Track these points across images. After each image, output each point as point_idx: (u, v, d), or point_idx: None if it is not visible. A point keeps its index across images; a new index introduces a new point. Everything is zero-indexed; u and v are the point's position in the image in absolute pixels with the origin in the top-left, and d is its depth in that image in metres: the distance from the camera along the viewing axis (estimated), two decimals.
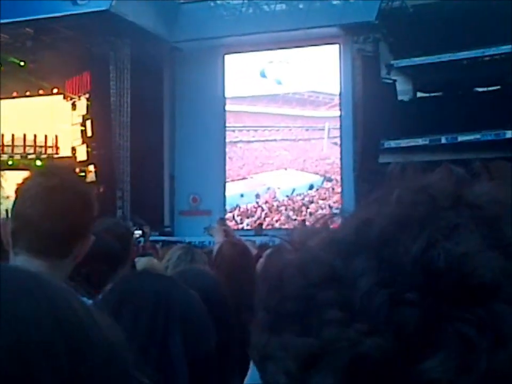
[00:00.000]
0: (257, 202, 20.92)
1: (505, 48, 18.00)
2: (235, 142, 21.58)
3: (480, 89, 20.04)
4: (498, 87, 19.52)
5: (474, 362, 0.46)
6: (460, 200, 0.52)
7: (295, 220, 19.52)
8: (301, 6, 20.14)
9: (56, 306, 0.60)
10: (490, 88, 19.76)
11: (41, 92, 23.46)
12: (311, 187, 20.49)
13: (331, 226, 0.58)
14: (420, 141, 18.43)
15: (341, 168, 20.09)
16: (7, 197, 19.20)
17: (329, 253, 0.53)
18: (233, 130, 21.60)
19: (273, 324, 0.54)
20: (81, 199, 1.79)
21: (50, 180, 1.79)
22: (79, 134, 22.61)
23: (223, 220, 5.65)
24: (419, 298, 0.48)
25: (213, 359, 1.66)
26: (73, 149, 22.95)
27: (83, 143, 22.45)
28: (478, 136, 17.82)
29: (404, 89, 20.33)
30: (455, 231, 0.50)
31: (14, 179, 21.70)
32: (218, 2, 21.22)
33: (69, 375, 0.57)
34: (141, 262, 4.30)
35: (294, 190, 19.86)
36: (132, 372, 0.65)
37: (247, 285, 3.40)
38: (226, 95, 21.45)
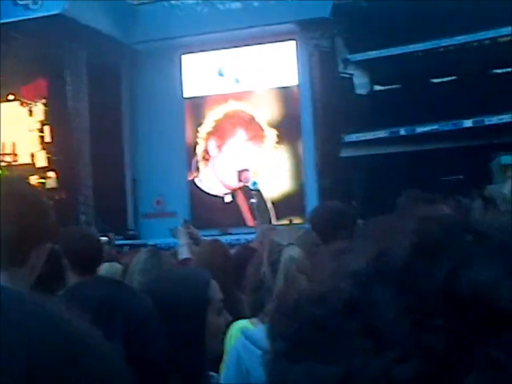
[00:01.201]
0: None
1: (458, 39, 18.24)
2: None
3: (436, 80, 20.26)
4: (454, 77, 19.77)
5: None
6: (471, 230, 0.54)
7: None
8: (256, 4, 20.14)
9: (59, 324, 0.59)
10: (446, 79, 20.00)
11: None
12: None
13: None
14: (379, 134, 18.58)
15: (302, 163, 20.16)
16: None
17: (349, 283, 0.55)
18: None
19: (291, 352, 0.55)
20: (31, 207, 1.79)
21: None
22: (38, 140, 22.33)
23: (187, 222, 5.63)
24: (445, 324, 0.51)
25: (162, 366, 1.64)
26: (32, 155, 22.65)
27: (42, 149, 22.18)
28: (436, 126, 18.02)
29: (361, 83, 20.47)
30: (473, 259, 0.53)
31: None
32: (172, 2, 21.09)
33: None
34: (103, 268, 4.27)
35: (254, 183, 19.89)
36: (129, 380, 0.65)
37: (227, 284, 3.39)
38: (185, 95, 21.37)
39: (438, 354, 0.49)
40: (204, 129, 20.95)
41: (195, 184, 21.01)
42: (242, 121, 20.64)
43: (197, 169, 21.07)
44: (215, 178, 20.85)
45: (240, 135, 20.60)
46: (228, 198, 20.62)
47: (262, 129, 20.45)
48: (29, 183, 2.04)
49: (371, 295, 0.53)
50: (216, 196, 20.78)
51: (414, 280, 0.53)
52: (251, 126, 20.54)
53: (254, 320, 2.97)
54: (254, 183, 19.90)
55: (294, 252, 2.65)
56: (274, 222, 19.18)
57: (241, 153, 20.39)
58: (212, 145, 20.84)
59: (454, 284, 0.51)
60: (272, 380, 0.56)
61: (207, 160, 20.93)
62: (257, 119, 20.55)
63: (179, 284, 2.23)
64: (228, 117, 20.77)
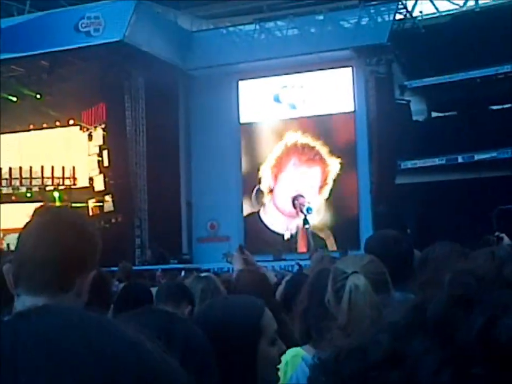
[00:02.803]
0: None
1: None
2: None
3: (495, 107, 20.00)
4: None
5: None
6: (505, 281, 0.56)
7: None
8: (312, 30, 20.27)
9: (135, 345, 0.61)
10: (505, 106, 19.71)
11: (57, 123, 23.70)
12: None
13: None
14: (436, 161, 18.38)
15: (358, 189, 20.04)
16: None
17: (388, 335, 0.57)
18: None
19: None
20: (76, 232, 1.83)
21: (44, 216, 1.84)
22: (96, 164, 22.80)
23: (242, 247, 5.54)
24: (485, 372, 0.51)
25: None
26: (91, 179, 23.13)
27: (100, 173, 22.63)
28: (494, 154, 17.75)
29: (418, 110, 20.34)
30: (509, 309, 0.54)
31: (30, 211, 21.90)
32: (230, 29, 21.40)
33: None
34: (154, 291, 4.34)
35: (309, 209, 19.86)
36: None
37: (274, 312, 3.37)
38: (241, 121, 21.54)
39: None
40: (267, 165, 21.00)
41: (259, 217, 21.00)
42: (297, 149, 20.66)
43: (260, 202, 21.00)
44: (275, 209, 20.84)
45: (295, 162, 20.63)
46: (287, 235, 20.57)
47: (317, 155, 20.43)
48: (76, 212, 2.08)
49: (410, 346, 0.54)
50: (275, 233, 20.74)
51: (451, 330, 0.54)
52: (305, 152, 20.54)
53: (307, 347, 2.96)
54: (309, 209, 19.89)
55: (358, 280, 2.64)
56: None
57: (295, 180, 20.40)
58: (271, 177, 20.88)
59: (491, 332, 0.52)
60: None
61: (271, 193, 20.95)
62: (312, 145, 20.55)
63: (231, 312, 2.22)
64: (286, 149, 20.82)
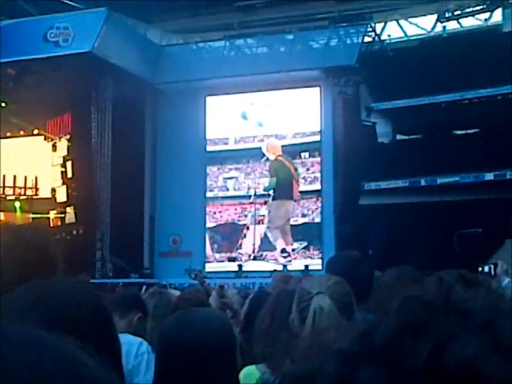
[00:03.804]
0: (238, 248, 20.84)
1: (483, 92, 18.31)
2: None
3: (459, 132, 20.29)
4: (477, 130, 19.79)
5: None
6: (452, 308, 0.56)
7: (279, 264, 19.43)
8: (282, 49, 20.40)
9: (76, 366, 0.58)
10: (469, 131, 20.01)
11: (22, 132, 23.43)
12: None
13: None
14: (399, 183, 18.57)
15: (321, 209, 20.13)
16: None
17: (334, 362, 0.55)
18: None
19: None
20: (36, 252, 1.81)
21: (4, 236, 1.82)
22: (59, 175, 22.56)
23: (222, 288, 5.31)
24: None
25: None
26: (53, 190, 22.87)
27: (63, 184, 22.40)
28: (457, 178, 17.99)
29: (383, 132, 20.54)
30: (456, 336, 0.54)
31: None
32: (200, 45, 21.43)
33: None
34: None
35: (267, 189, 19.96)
36: None
37: None
38: (207, 137, 21.53)
39: None
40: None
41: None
42: None
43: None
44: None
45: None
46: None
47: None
48: (37, 232, 2.06)
49: (358, 373, 0.53)
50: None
51: (399, 358, 0.53)
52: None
53: (261, 366, 2.93)
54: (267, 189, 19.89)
55: (323, 301, 2.63)
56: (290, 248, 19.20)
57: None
58: None
59: (439, 359, 0.52)
60: None
61: None
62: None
63: (210, 323, 2.20)
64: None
